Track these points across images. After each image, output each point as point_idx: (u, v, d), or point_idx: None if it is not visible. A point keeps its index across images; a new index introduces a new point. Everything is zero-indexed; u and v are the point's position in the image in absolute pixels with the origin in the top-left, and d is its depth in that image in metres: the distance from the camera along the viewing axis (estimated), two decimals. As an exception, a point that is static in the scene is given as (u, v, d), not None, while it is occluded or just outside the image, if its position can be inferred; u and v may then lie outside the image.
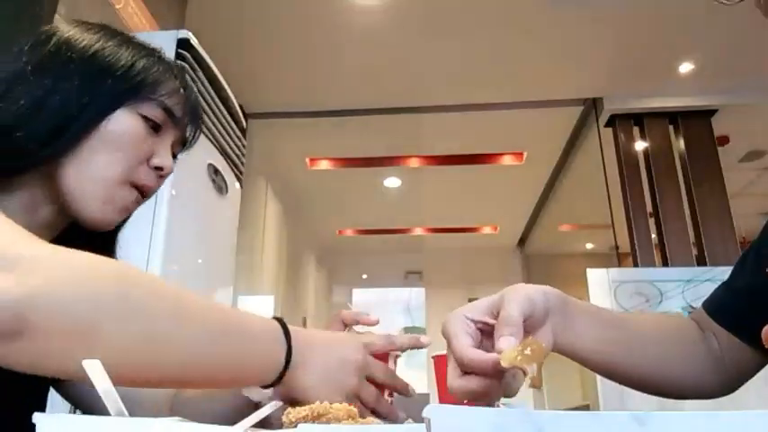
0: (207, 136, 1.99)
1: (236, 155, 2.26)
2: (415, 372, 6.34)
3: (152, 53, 0.71)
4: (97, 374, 0.39)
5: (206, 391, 0.71)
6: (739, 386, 0.72)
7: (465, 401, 0.56)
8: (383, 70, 3.56)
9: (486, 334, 0.58)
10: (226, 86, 2.12)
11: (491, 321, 0.57)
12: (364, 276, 7.48)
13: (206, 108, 1.98)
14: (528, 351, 0.49)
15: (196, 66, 1.90)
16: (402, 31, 3.23)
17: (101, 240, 0.74)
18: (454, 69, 3.54)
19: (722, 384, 0.71)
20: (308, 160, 4.74)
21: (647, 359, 0.67)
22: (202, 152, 1.99)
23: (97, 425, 0.29)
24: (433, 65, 3.50)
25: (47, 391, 0.75)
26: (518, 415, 0.28)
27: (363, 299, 7.47)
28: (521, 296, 0.57)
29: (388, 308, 7.44)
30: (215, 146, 2.06)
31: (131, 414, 0.40)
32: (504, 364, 0.49)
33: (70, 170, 0.64)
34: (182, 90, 0.73)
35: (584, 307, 0.66)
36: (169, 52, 1.82)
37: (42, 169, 0.64)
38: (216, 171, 2.05)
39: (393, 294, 7.47)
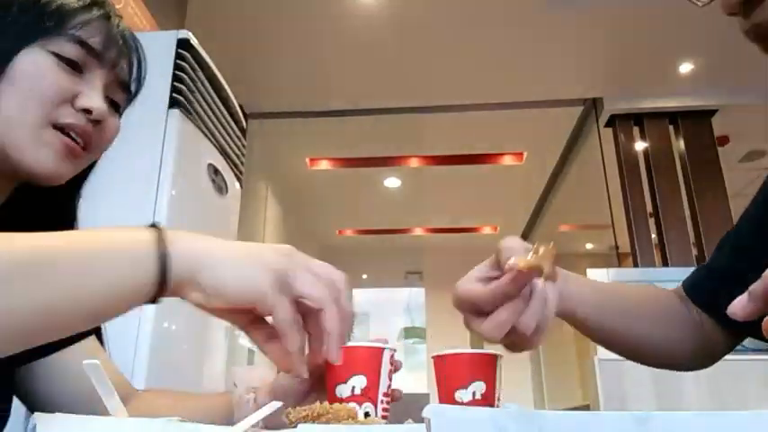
0: (207, 136, 1.99)
1: (236, 155, 2.26)
2: (415, 372, 6.35)
3: None
4: (98, 375, 0.39)
5: (205, 407, 0.70)
6: (713, 363, 0.74)
7: (505, 346, 0.60)
8: (383, 70, 3.56)
9: None
10: (226, 86, 2.12)
11: (497, 273, 0.58)
12: (364, 276, 7.48)
13: (206, 108, 1.98)
14: (540, 252, 0.53)
15: (196, 66, 1.90)
16: (402, 31, 3.23)
17: (56, 207, 0.69)
18: (454, 69, 3.54)
19: (702, 356, 0.74)
20: (308, 160, 4.74)
21: (640, 324, 0.70)
22: (202, 152, 1.99)
23: (98, 425, 0.29)
24: (433, 65, 3.50)
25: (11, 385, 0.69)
26: (518, 415, 0.28)
27: (363, 299, 7.47)
28: (517, 240, 0.59)
29: (388, 308, 7.44)
30: (215, 146, 2.06)
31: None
32: (520, 265, 0.52)
33: None
34: (101, 22, 0.65)
35: (576, 275, 0.69)
36: (169, 53, 1.83)
37: None
38: (216, 171, 2.05)
39: (393, 294, 7.47)
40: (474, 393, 0.61)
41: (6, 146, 0.59)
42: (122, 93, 0.69)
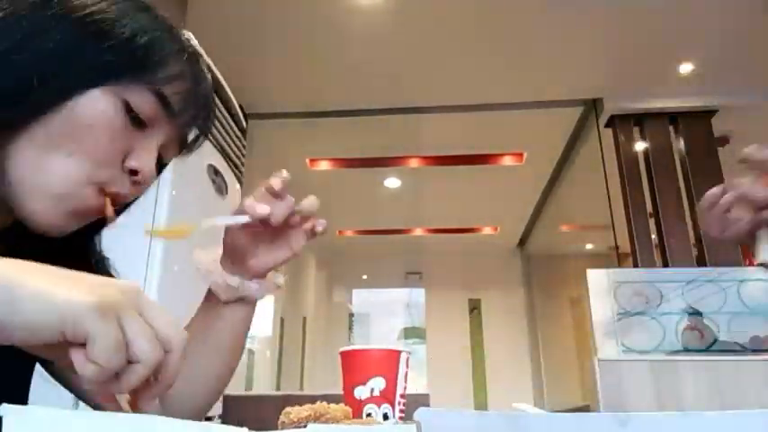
0: (207, 136, 1.99)
1: (237, 155, 2.26)
2: (414, 372, 6.35)
3: (166, 29, 0.57)
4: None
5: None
6: None
7: None
8: (383, 70, 3.56)
9: None
10: (226, 86, 2.12)
11: None
12: (364, 277, 7.48)
13: (206, 108, 1.98)
14: None
15: (196, 66, 1.90)
16: (402, 31, 3.23)
17: (64, 249, 0.58)
18: (454, 69, 3.54)
19: None
20: (308, 161, 4.74)
21: None
22: (202, 153, 1.99)
23: (65, 419, 0.28)
24: (433, 65, 3.50)
25: (29, 378, 0.63)
26: (503, 417, 0.29)
27: (363, 299, 7.47)
28: None
29: (388, 308, 7.44)
30: (215, 146, 2.06)
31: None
32: None
33: (21, 154, 0.49)
34: (191, 79, 0.57)
35: None
36: (169, 52, 1.83)
37: None
38: (216, 171, 2.05)
39: (393, 295, 7.47)
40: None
41: (24, 189, 0.50)
42: (177, 150, 0.61)
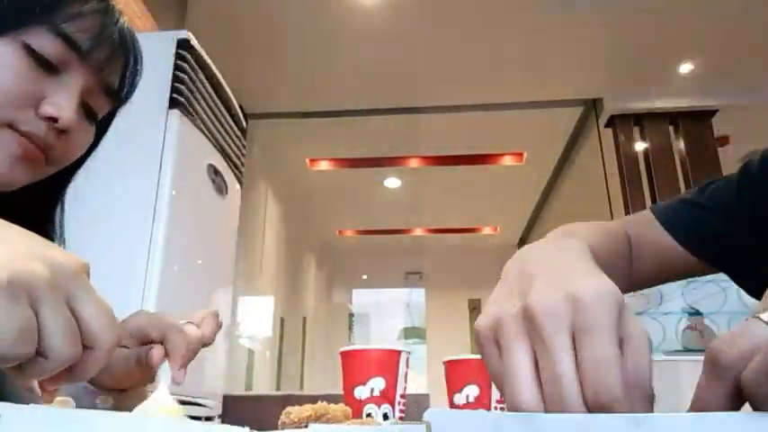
0: (207, 136, 1.99)
1: (236, 155, 2.26)
2: (414, 372, 6.35)
3: None
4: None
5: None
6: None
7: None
8: (383, 70, 3.56)
9: None
10: (226, 86, 2.12)
11: None
12: (364, 277, 7.48)
13: (206, 108, 1.98)
14: None
15: (196, 66, 1.90)
16: (402, 31, 3.23)
17: (31, 217, 0.57)
18: (454, 69, 3.54)
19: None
20: (308, 160, 4.74)
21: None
22: (202, 152, 1.99)
23: (64, 418, 0.28)
24: (433, 65, 3.51)
25: None
26: (516, 418, 0.29)
27: (363, 299, 7.47)
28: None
29: (388, 308, 7.44)
30: (215, 146, 2.06)
31: None
32: None
33: None
34: (97, 17, 0.56)
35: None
36: (169, 53, 1.83)
37: None
38: (216, 171, 2.05)
39: (393, 295, 7.47)
40: (467, 397, 0.62)
41: None
42: (105, 99, 0.59)
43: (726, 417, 0.27)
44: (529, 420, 0.28)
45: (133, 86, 0.62)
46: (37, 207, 0.62)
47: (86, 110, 0.58)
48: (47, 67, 0.53)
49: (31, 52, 0.52)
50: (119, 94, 0.60)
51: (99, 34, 0.55)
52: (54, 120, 0.53)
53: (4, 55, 0.51)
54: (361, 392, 0.59)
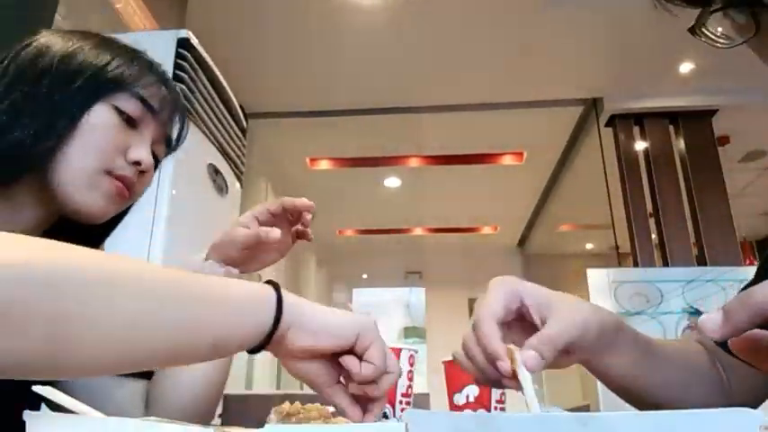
0: (207, 136, 1.99)
1: (237, 155, 2.26)
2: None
3: (130, 51, 0.73)
4: (56, 396, 0.38)
5: (175, 381, 0.73)
6: None
7: None
8: (383, 70, 3.56)
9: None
10: (226, 86, 2.12)
11: (513, 316, 0.55)
12: (364, 276, 7.48)
13: (206, 108, 1.98)
14: (514, 356, 0.49)
15: (196, 66, 1.90)
16: (402, 30, 3.23)
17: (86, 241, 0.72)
18: (454, 69, 3.54)
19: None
20: (308, 160, 4.74)
21: (666, 386, 0.65)
22: (202, 152, 1.99)
23: (85, 425, 0.29)
24: (433, 65, 3.51)
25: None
26: (478, 419, 0.32)
27: (363, 299, 7.46)
28: (575, 321, 0.54)
29: (388, 308, 7.44)
30: (215, 146, 2.06)
31: (103, 408, 0.40)
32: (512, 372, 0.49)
33: (59, 167, 0.66)
34: (161, 85, 0.74)
35: (632, 335, 0.63)
36: (169, 52, 1.83)
37: (31, 173, 0.66)
38: (216, 171, 2.05)
39: (393, 294, 7.46)
40: (468, 397, 0.62)
41: (64, 183, 0.66)
42: (164, 147, 0.77)
43: (668, 415, 0.28)
44: (488, 420, 0.31)
45: (182, 138, 0.80)
46: (93, 238, 0.77)
47: (154, 156, 0.74)
48: (130, 123, 0.70)
49: (119, 113, 0.69)
50: (175, 143, 0.79)
51: (165, 98, 0.74)
52: (138, 163, 0.70)
53: (101, 116, 0.68)
54: None
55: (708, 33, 0.58)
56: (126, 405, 0.72)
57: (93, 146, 0.67)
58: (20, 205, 0.67)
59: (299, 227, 0.81)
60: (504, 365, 0.48)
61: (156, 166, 0.76)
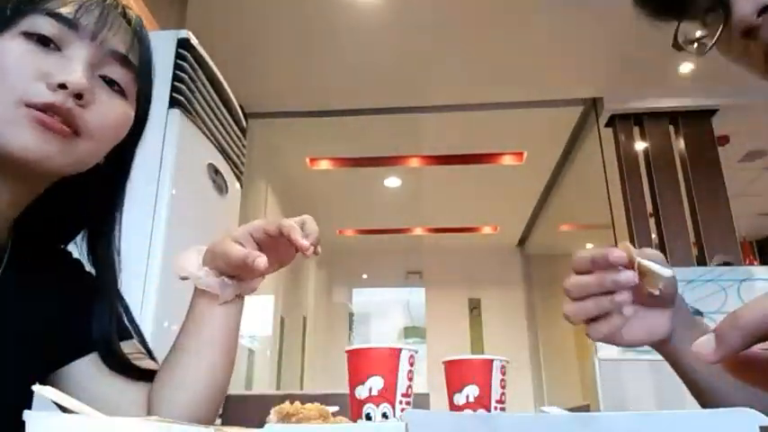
0: (207, 136, 1.99)
1: (236, 155, 2.26)
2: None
3: None
4: (57, 396, 0.38)
5: (177, 382, 0.69)
6: None
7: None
8: (383, 70, 3.56)
9: None
10: (226, 86, 2.12)
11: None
12: (364, 276, 7.48)
13: (206, 108, 1.98)
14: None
15: (196, 66, 1.90)
16: (402, 30, 3.23)
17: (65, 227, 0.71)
18: (454, 69, 3.54)
19: None
20: (308, 160, 4.74)
21: (744, 394, 0.66)
22: (202, 152, 1.99)
23: (86, 425, 0.28)
24: (433, 65, 3.51)
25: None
26: (477, 418, 0.32)
27: (363, 299, 7.47)
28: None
29: (388, 308, 7.44)
30: (215, 146, 2.06)
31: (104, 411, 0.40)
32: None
33: None
34: None
35: (706, 326, 0.67)
36: (169, 52, 1.82)
37: None
38: (216, 171, 2.05)
39: (393, 294, 7.47)
40: (467, 396, 0.62)
41: None
42: (121, 66, 0.63)
43: (669, 415, 0.29)
44: (488, 419, 0.32)
45: (143, 48, 0.66)
46: (101, 207, 0.73)
47: (107, 81, 0.62)
48: (44, 43, 0.58)
49: (27, 36, 0.58)
50: (125, 57, 0.63)
51: (87, 9, 0.61)
52: (64, 86, 0.57)
53: (7, 45, 0.58)
54: (360, 391, 0.59)
55: (688, 46, 0.61)
56: (128, 407, 0.69)
57: (2, 79, 0.57)
58: None
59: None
60: (618, 251, 0.56)
61: (137, 100, 0.67)
